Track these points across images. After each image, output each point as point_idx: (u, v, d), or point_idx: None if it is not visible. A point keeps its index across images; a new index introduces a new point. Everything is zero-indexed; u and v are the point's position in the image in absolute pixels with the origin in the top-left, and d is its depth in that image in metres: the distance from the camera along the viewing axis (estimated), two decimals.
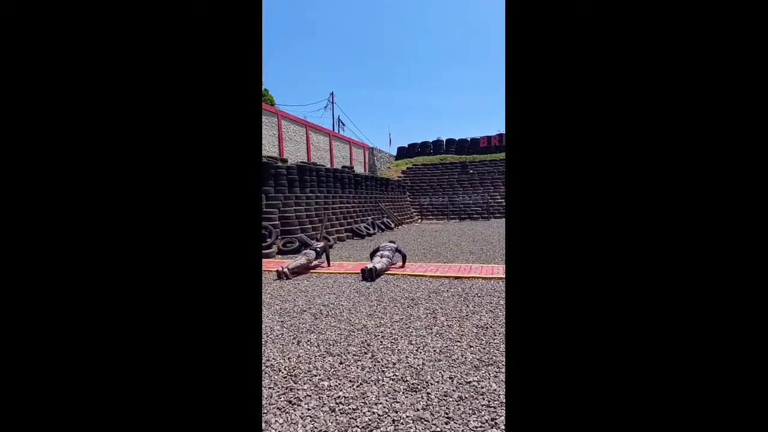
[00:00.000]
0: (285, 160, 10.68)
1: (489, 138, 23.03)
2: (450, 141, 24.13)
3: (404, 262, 5.66)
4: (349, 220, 10.63)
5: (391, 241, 6.15)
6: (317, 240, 7.59)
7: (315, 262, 5.82)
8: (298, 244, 7.55)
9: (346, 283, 4.80)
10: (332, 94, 24.55)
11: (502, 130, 22.86)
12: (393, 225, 12.71)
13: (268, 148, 12.70)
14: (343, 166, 14.37)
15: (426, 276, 5.04)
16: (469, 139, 23.78)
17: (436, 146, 24.30)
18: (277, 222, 8.03)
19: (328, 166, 14.63)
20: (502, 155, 21.18)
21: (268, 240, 7.27)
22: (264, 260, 6.68)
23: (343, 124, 27.14)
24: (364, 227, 10.60)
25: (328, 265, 5.91)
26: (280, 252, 7.37)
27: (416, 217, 16.77)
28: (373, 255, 5.68)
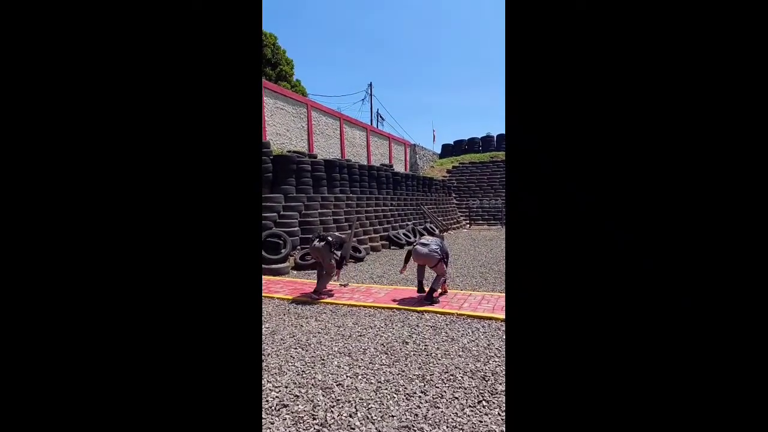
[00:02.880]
0: (314, 156, 9.28)
1: None
2: (501, 137, 21.51)
3: (446, 262, 3.91)
4: (385, 226, 8.97)
5: (422, 243, 4.09)
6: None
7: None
8: None
9: (372, 327, 3.09)
10: (371, 85, 23.20)
11: None
12: (437, 231, 10.87)
13: (296, 142, 11.34)
14: (382, 164, 12.79)
15: (497, 319, 3.21)
16: None
17: (485, 143, 21.87)
18: (296, 228, 6.54)
19: (364, 163, 13.12)
20: None
21: (282, 251, 5.78)
22: (273, 278, 5.17)
23: (383, 119, 25.70)
24: (403, 234, 8.88)
25: (339, 268, 4.21)
26: (297, 267, 5.84)
27: (464, 222, 14.74)
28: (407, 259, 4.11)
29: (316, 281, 4.32)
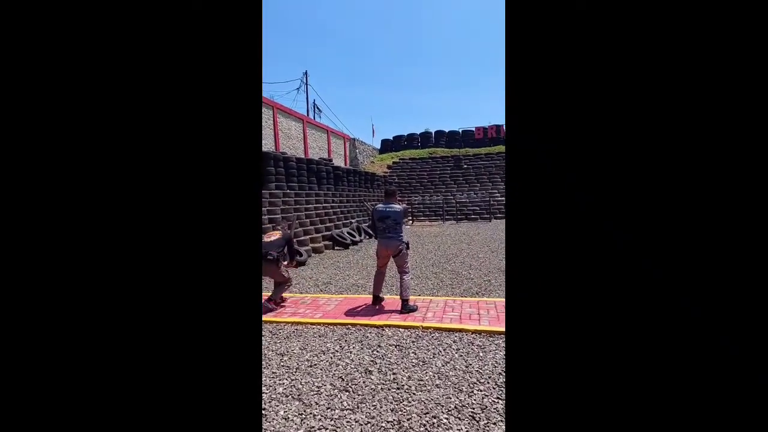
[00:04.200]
0: None
1: (485, 129, 20.72)
2: (439, 133, 21.76)
3: (407, 249, 3.44)
4: (327, 224, 8.31)
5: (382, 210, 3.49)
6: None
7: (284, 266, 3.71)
8: None
9: (325, 353, 2.51)
10: (306, 73, 21.98)
11: (494, 122, 20.96)
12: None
13: None
14: (321, 158, 12.00)
15: (467, 331, 2.83)
16: (460, 131, 21.28)
17: (424, 139, 21.91)
18: None
19: (302, 156, 12.18)
20: (499, 148, 19.16)
21: None
22: None
23: (320, 110, 24.41)
24: (348, 233, 8.31)
25: (292, 260, 3.75)
26: None
27: (407, 219, 14.57)
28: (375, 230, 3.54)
29: None
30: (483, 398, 1.92)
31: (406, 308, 3.28)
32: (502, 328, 2.81)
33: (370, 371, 2.25)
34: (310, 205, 8.49)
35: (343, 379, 2.16)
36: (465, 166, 18.10)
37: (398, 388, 2.04)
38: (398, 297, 3.47)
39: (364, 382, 2.13)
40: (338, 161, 17.04)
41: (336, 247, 7.68)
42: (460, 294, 3.94)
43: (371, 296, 3.61)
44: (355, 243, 8.09)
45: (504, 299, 3.63)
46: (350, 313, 3.35)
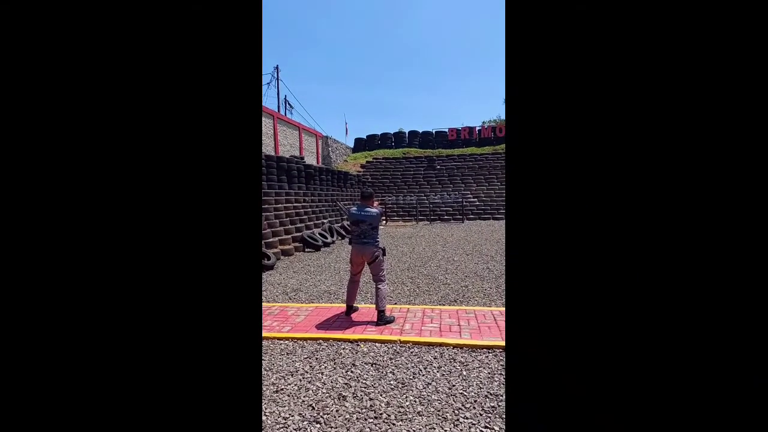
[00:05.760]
0: None
1: (458, 131, 20.92)
2: (413, 133, 21.76)
3: (383, 255, 3.22)
4: (298, 225, 7.95)
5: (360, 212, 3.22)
6: None
7: None
8: None
9: (293, 374, 2.24)
10: (277, 68, 21.25)
11: (467, 124, 21.19)
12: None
13: None
14: (292, 156, 11.55)
15: (448, 345, 2.65)
16: (434, 132, 21.40)
17: (397, 138, 21.84)
18: None
19: (272, 153, 11.63)
20: (472, 150, 19.42)
21: None
22: None
23: (291, 107, 23.80)
24: (320, 234, 7.99)
25: None
26: None
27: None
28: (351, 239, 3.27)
29: None
30: (470, 428, 1.73)
31: (383, 320, 3.06)
32: (484, 342, 2.65)
33: (343, 396, 2.01)
34: (280, 205, 8.09)
35: (313, 408, 1.91)
36: (438, 167, 18.14)
37: (376, 418, 1.82)
38: (374, 306, 3.25)
39: (337, 410, 1.89)
40: (310, 159, 16.58)
41: (307, 249, 7.34)
42: (438, 301, 3.77)
43: (344, 305, 3.37)
44: (327, 245, 7.78)
45: (483, 308, 3.49)
46: (322, 325, 3.08)
